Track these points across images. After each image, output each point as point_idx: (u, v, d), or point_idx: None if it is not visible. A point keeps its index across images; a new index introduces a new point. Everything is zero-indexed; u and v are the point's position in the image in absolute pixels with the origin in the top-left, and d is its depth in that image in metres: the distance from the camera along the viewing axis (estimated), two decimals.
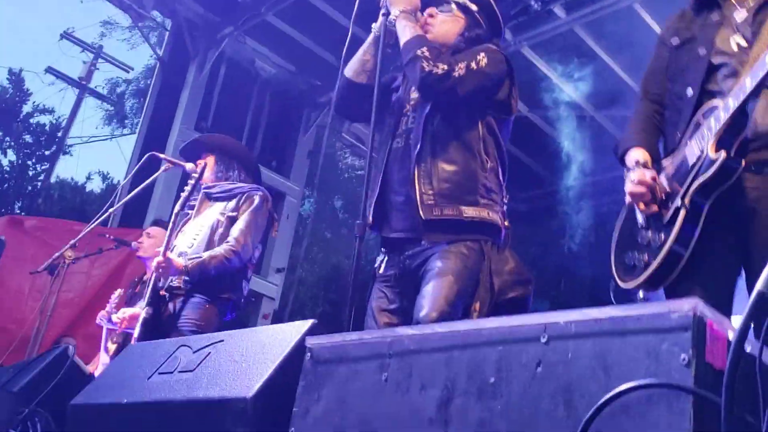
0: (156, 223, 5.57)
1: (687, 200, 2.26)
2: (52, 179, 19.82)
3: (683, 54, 2.56)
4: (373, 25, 3.26)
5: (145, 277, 5.08)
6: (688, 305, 1.28)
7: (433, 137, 2.98)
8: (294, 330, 1.91)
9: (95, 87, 19.79)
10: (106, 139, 20.12)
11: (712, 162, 2.21)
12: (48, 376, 3.20)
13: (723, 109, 2.24)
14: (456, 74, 2.89)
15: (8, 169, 19.74)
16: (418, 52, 2.93)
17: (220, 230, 4.22)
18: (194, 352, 2.13)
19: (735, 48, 2.39)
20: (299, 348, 1.85)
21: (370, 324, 2.95)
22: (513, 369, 1.42)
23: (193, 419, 1.94)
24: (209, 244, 4.15)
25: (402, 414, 1.54)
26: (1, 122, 19.74)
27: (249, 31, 8.38)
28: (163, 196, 7.82)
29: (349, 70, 3.25)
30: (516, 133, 9.45)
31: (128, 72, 19.54)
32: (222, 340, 2.09)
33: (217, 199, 4.41)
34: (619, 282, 2.44)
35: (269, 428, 1.78)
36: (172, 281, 4.10)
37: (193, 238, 4.26)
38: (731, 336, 1.25)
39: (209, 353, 2.08)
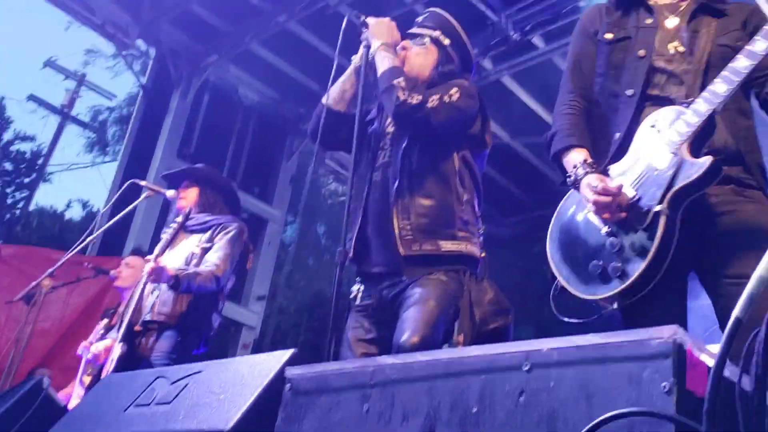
0: (135, 252, 5.53)
1: (665, 204, 2.20)
2: (32, 207, 19.67)
3: (619, 52, 2.52)
4: (354, 56, 3.30)
5: (120, 308, 5.04)
6: (668, 332, 1.28)
7: (410, 171, 3.01)
8: (273, 360, 1.89)
9: (77, 115, 19.76)
10: (87, 167, 20.06)
11: (695, 165, 2.18)
12: (21, 409, 3.14)
13: (693, 113, 2.22)
14: (430, 105, 2.93)
15: None
16: (395, 81, 2.97)
17: (194, 261, 4.22)
18: (171, 384, 2.10)
19: (674, 53, 2.40)
20: (279, 378, 1.83)
21: (347, 354, 2.94)
22: (496, 398, 1.41)
23: None
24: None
25: None
26: None
27: (233, 59, 8.41)
28: (143, 223, 7.77)
29: (328, 98, 3.27)
30: (498, 160, 9.60)
31: (111, 99, 19.55)
32: (200, 371, 2.07)
33: (193, 232, 4.41)
34: (579, 293, 2.37)
35: None
36: (146, 316, 4.10)
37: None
38: (711, 362, 1.25)
39: (187, 384, 2.05)
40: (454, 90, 3.01)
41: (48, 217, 20.40)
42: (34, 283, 4.95)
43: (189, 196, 4.50)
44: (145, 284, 4.14)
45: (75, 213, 23.80)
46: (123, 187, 4.93)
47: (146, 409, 2.09)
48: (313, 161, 8.30)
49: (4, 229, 18.79)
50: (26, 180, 19.91)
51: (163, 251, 4.12)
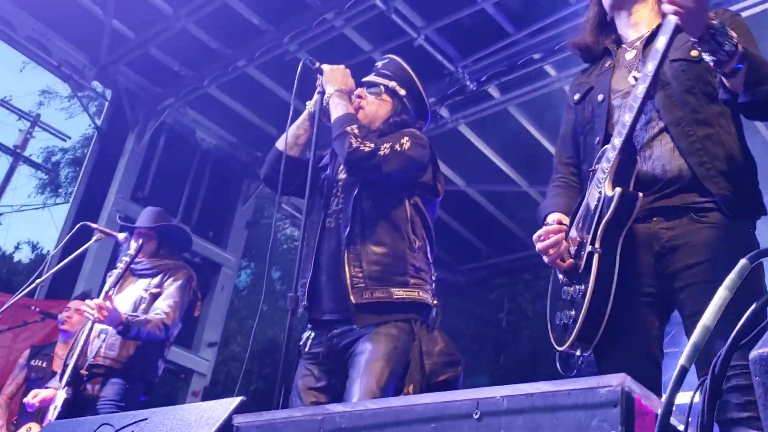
0: (82, 297, 5.45)
1: (597, 243, 2.23)
2: None
3: (586, 106, 2.58)
4: (308, 102, 3.32)
5: (59, 351, 4.92)
6: (616, 380, 1.29)
7: (362, 219, 3.02)
8: (221, 407, 1.85)
9: (30, 155, 19.46)
10: (39, 208, 19.71)
11: (611, 199, 2.22)
12: None
13: (611, 148, 2.28)
14: (381, 153, 2.95)
15: None
16: (348, 128, 2.99)
17: (143, 306, 4.20)
18: (117, 431, 2.05)
19: (633, 84, 2.38)
20: (226, 427, 1.80)
21: (296, 403, 2.90)
22: None
23: None
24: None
25: None
26: None
27: (190, 103, 8.39)
28: (93, 266, 7.63)
29: (282, 143, 3.29)
30: (454, 207, 9.65)
31: (65, 141, 19.31)
32: (146, 419, 2.02)
33: (141, 276, 4.38)
34: (556, 347, 2.41)
35: None
36: (91, 360, 4.02)
37: None
38: (659, 410, 1.26)
39: None
40: (405, 139, 3.05)
41: None
42: None
43: (146, 249, 4.46)
44: (92, 326, 4.07)
45: (24, 255, 23.29)
46: (74, 230, 4.86)
47: None
48: (277, 205, 8.22)
49: None
50: None
51: (111, 288, 4.08)
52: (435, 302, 3.05)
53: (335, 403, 2.58)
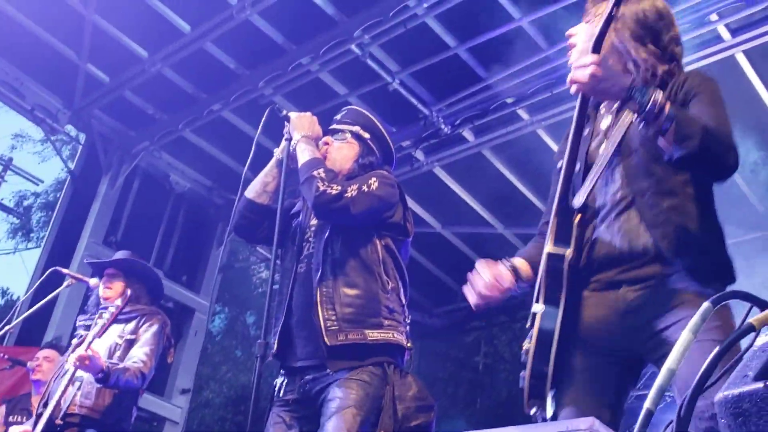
0: (52, 346, 5.38)
1: (540, 302, 2.26)
2: None
3: None
4: (275, 149, 3.35)
5: (34, 401, 4.83)
6: (584, 424, 1.29)
7: (333, 261, 3.02)
8: None
9: (2, 199, 19.29)
10: (9, 253, 19.48)
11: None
12: None
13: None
14: (348, 195, 2.96)
15: None
16: (314, 172, 3.01)
17: (118, 353, 4.17)
18: None
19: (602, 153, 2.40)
20: None
21: None
22: None
23: None
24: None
25: None
26: None
27: (165, 146, 8.38)
28: (64, 312, 7.52)
29: (250, 191, 3.31)
30: (429, 249, 9.68)
31: (37, 185, 19.16)
32: None
33: (115, 321, 4.32)
34: (525, 407, 2.39)
35: None
36: (66, 408, 3.95)
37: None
38: None
39: None
40: (373, 180, 3.06)
41: None
42: None
43: (114, 286, 4.43)
44: (65, 373, 4.02)
45: None
46: (44, 275, 4.81)
47: None
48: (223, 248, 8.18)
49: None
50: None
51: (95, 337, 4.04)
52: (409, 344, 3.04)
53: None
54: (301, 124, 3.25)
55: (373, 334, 2.89)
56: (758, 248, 6.61)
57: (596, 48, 2.18)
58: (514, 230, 8.85)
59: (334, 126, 3.39)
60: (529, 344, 2.29)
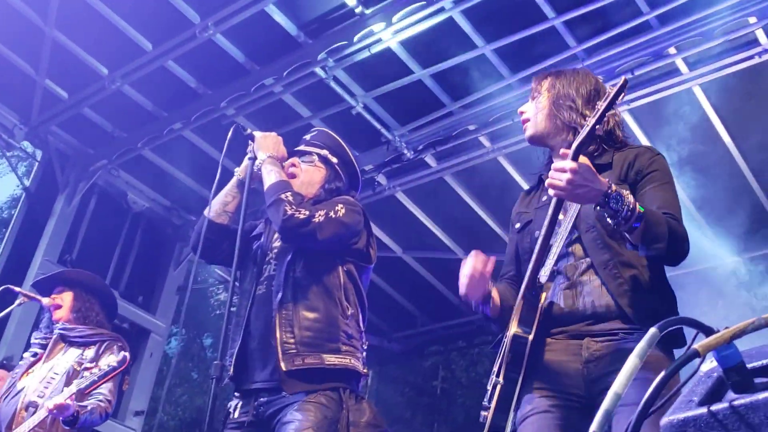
0: (5, 362, 5.26)
1: (501, 376, 2.45)
2: None
3: (525, 236, 2.72)
4: (236, 169, 3.33)
5: None
6: None
7: (294, 284, 3.01)
8: None
9: None
10: None
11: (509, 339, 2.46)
12: None
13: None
14: (316, 220, 2.97)
15: None
16: (282, 195, 3.00)
17: (76, 380, 4.06)
18: None
19: (562, 223, 2.56)
20: None
21: None
22: None
23: None
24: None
25: None
26: None
27: (123, 165, 8.28)
28: (17, 331, 7.36)
29: (210, 210, 3.28)
30: (390, 274, 9.67)
31: None
32: None
33: (72, 344, 4.24)
34: None
35: None
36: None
37: (44, 385, 4.05)
38: None
39: None
40: (339, 206, 3.07)
41: None
42: None
43: (64, 301, 4.36)
44: (24, 398, 3.95)
45: None
46: None
47: None
48: (193, 271, 8.10)
49: None
50: None
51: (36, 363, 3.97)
52: (365, 370, 3.05)
53: None
54: (266, 143, 3.24)
55: (331, 359, 2.89)
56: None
57: (576, 155, 2.31)
58: None
59: (303, 147, 3.38)
60: (487, 412, 2.47)
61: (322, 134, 3.47)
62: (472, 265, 2.56)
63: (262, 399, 2.91)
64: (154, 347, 8.54)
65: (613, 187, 2.28)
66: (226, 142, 3.21)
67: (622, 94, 2.46)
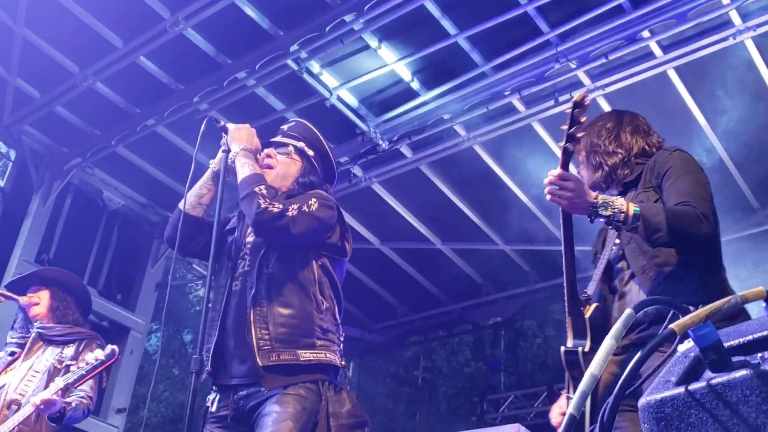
0: None
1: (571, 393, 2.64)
2: None
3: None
4: (211, 161, 3.30)
5: None
6: (511, 430, 1.30)
7: (268, 280, 3.00)
8: None
9: None
10: None
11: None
12: None
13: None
14: (289, 214, 2.95)
15: None
16: (256, 188, 2.98)
17: (59, 378, 4.05)
18: None
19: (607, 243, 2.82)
20: None
21: None
22: None
23: None
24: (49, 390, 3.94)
25: None
26: None
27: (98, 163, 8.21)
28: None
29: (185, 203, 3.26)
30: (368, 265, 9.67)
31: None
32: None
33: (51, 342, 4.24)
34: None
35: None
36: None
37: (25, 384, 4.04)
38: None
39: None
40: (313, 201, 3.05)
41: None
42: None
43: (42, 300, 4.35)
44: (6, 396, 3.93)
45: None
46: None
47: None
48: (172, 268, 8.05)
49: None
50: None
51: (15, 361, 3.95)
52: (342, 363, 3.04)
53: None
54: (239, 135, 3.21)
55: (306, 355, 2.88)
56: None
57: (564, 166, 2.62)
58: (451, 245, 8.92)
59: (279, 138, 3.35)
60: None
61: (300, 125, 3.45)
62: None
63: (241, 393, 2.90)
64: (134, 344, 8.50)
65: (600, 197, 2.52)
66: (200, 134, 3.19)
67: (579, 109, 2.63)
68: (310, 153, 3.33)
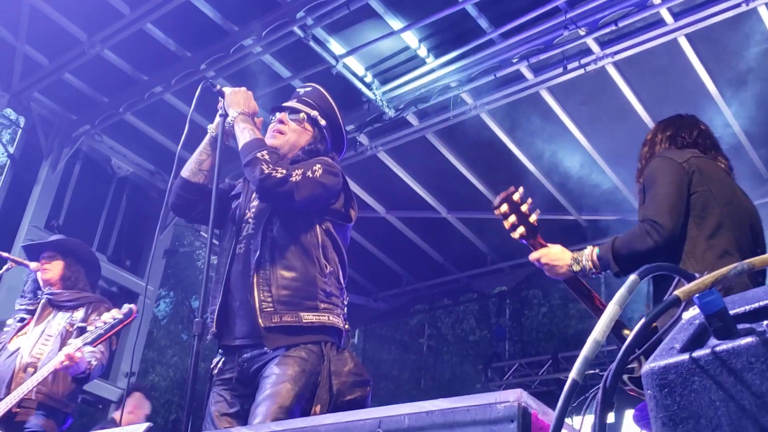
0: None
1: None
2: None
3: None
4: (209, 126, 3.28)
5: None
6: (513, 396, 1.32)
7: (272, 243, 3.00)
8: None
9: None
10: None
11: None
12: None
13: None
14: (293, 179, 2.93)
15: None
16: (258, 154, 2.96)
17: (71, 340, 4.12)
18: None
19: None
20: None
21: (209, 430, 2.87)
22: None
23: None
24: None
25: None
26: None
27: (106, 130, 8.23)
28: (6, 296, 7.37)
29: (186, 170, 3.26)
30: (373, 233, 9.68)
31: None
32: None
33: (61, 308, 4.31)
34: None
35: None
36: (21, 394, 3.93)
37: (39, 348, 4.11)
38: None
39: None
40: (317, 166, 3.04)
41: None
42: None
43: (54, 268, 4.40)
44: (21, 360, 4.00)
45: None
46: None
47: None
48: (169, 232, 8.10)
49: None
50: None
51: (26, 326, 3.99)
52: (346, 326, 3.05)
53: None
54: (236, 99, 3.18)
55: (308, 317, 2.90)
56: None
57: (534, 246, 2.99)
58: (457, 214, 8.93)
59: (293, 103, 3.32)
60: None
61: (315, 92, 3.40)
62: None
63: (245, 355, 2.93)
64: (142, 310, 8.58)
65: (573, 255, 2.83)
66: (195, 98, 3.16)
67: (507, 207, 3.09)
68: (323, 122, 3.31)
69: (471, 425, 1.31)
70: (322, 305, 2.94)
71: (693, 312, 1.39)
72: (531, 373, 9.72)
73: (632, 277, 1.41)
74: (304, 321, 2.88)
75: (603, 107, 7.13)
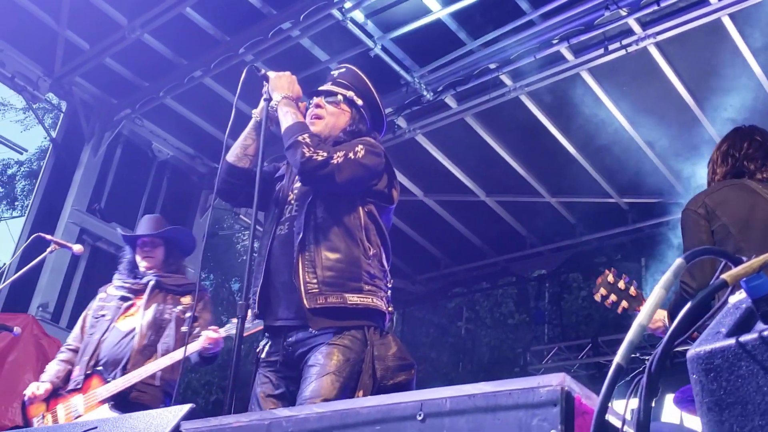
0: (42, 309, 5.39)
1: None
2: None
3: None
4: (254, 111, 3.30)
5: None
6: (556, 380, 1.31)
7: (315, 225, 3.00)
8: (170, 415, 1.85)
9: None
10: None
11: None
12: None
13: None
14: (334, 162, 2.93)
15: None
16: (299, 138, 2.97)
17: (183, 328, 4.30)
18: None
19: None
20: None
21: (256, 410, 2.89)
22: None
23: None
24: (177, 338, 4.24)
25: None
26: None
27: (146, 114, 8.33)
28: (50, 279, 7.53)
29: (231, 155, 3.27)
30: (411, 217, 9.66)
31: (21, 153, 18.94)
32: (95, 427, 2.00)
33: (170, 291, 4.45)
34: None
35: None
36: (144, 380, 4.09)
37: (156, 330, 4.27)
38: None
39: None
40: (359, 147, 3.03)
41: None
42: None
43: (156, 256, 4.55)
44: (139, 343, 4.17)
45: None
46: (28, 241, 4.83)
47: None
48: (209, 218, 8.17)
49: None
50: None
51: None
52: (390, 309, 3.05)
53: None
54: (280, 84, 3.19)
55: (353, 299, 2.90)
56: None
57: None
58: (496, 197, 8.88)
59: (329, 87, 3.33)
60: None
61: (350, 73, 3.40)
62: None
63: (290, 339, 2.94)
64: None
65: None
66: (240, 83, 3.18)
67: None
68: (359, 102, 3.30)
69: (513, 409, 1.30)
70: (367, 287, 2.95)
71: (739, 296, 1.37)
72: (570, 357, 9.67)
73: (678, 260, 1.38)
74: (349, 302, 2.88)
75: (645, 89, 7.02)
